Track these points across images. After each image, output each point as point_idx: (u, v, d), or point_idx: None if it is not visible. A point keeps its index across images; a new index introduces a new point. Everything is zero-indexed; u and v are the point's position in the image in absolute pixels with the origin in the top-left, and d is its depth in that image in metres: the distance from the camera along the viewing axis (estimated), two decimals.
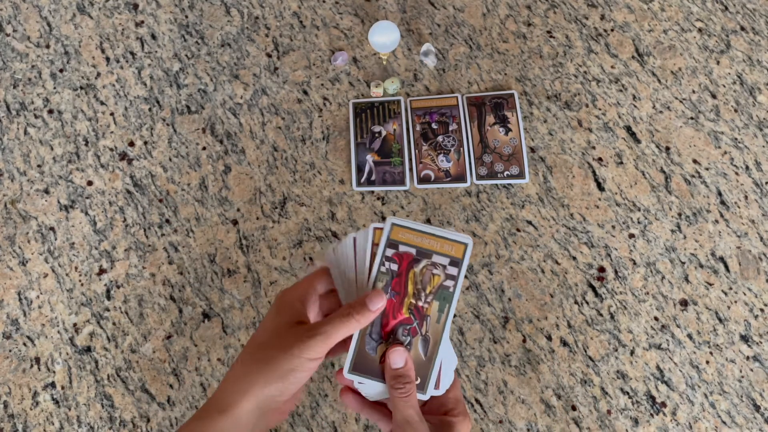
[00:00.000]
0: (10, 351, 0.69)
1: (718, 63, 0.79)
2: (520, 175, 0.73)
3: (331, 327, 0.38)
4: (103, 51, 0.83)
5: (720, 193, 0.73)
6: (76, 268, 0.72)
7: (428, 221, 0.73)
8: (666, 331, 0.68)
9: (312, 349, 0.37)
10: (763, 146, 0.75)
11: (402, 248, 0.41)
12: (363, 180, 0.74)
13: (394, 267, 0.41)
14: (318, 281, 0.43)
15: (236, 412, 0.37)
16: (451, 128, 0.76)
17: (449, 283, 0.41)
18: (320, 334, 0.38)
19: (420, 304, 0.41)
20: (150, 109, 0.79)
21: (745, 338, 0.67)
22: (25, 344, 0.69)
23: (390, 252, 0.40)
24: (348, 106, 0.78)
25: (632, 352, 0.67)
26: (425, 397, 0.42)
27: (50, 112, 0.80)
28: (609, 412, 0.65)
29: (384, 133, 0.76)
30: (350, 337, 0.41)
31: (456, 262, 0.41)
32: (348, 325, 0.38)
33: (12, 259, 0.72)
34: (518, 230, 0.72)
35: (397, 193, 0.74)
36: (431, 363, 0.42)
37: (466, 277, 0.70)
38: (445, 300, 0.41)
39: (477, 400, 0.66)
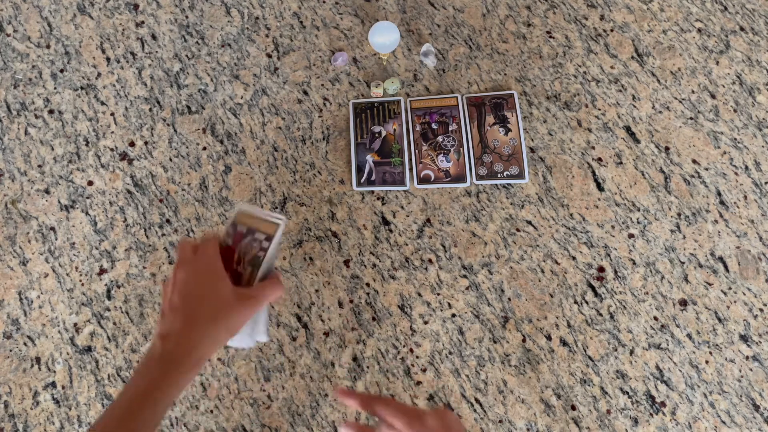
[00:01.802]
0: (10, 351, 0.69)
1: (717, 63, 0.79)
2: (520, 175, 0.73)
3: (265, 294, 0.52)
4: (103, 51, 0.83)
5: (719, 193, 0.73)
6: (76, 267, 0.72)
7: (428, 221, 0.73)
8: (665, 331, 0.68)
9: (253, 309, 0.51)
10: (763, 146, 0.75)
11: (239, 228, 0.56)
12: (363, 180, 0.74)
13: (229, 240, 0.56)
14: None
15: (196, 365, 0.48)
16: (450, 128, 0.76)
17: (261, 253, 0.55)
18: (256, 299, 0.51)
19: (238, 268, 0.55)
20: (150, 110, 0.79)
21: (744, 338, 0.67)
22: (25, 344, 0.69)
23: (232, 230, 0.56)
24: (348, 107, 0.78)
25: (632, 352, 0.67)
26: (241, 345, 0.55)
27: (51, 112, 0.80)
28: (609, 411, 0.65)
29: (384, 133, 0.76)
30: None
31: (269, 238, 0.55)
32: (277, 293, 0.52)
33: (12, 259, 0.73)
34: (518, 230, 0.72)
35: (397, 193, 0.74)
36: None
37: (465, 277, 0.70)
38: (256, 266, 0.55)
39: (477, 400, 0.66)
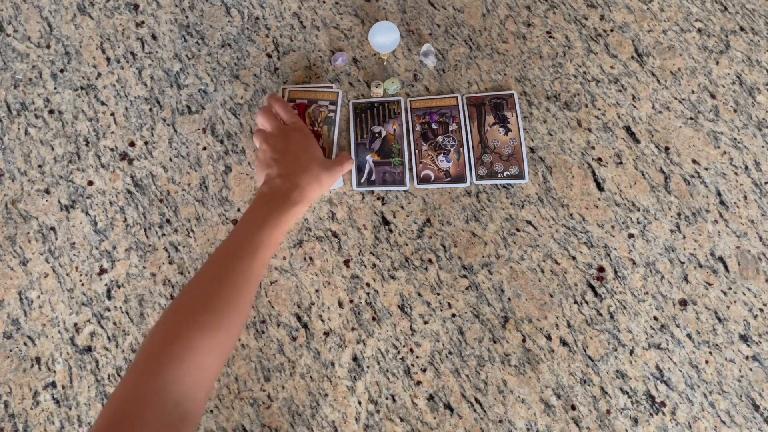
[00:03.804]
0: (10, 351, 0.69)
1: (717, 63, 0.79)
2: (520, 175, 0.73)
3: (346, 166, 0.72)
4: (103, 51, 0.83)
5: (719, 193, 0.73)
6: (76, 267, 0.72)
7: (428, 221, 0.73)
8: (665, 331, 0.68)
9: (340, 173, 0.72)
10: (763, 146, 0.75)
11: (298, 101, 0.76)
12: (363, 180, 0.74)
13: (295, 111, 0.74)
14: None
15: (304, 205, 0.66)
16: (450, 128, 0.76)
17: (332, 114, 0.76)
18: (342, 167, 0.72)
19: (316, 129, 0.75)
20: (150, 110, 0.79)
21: (744, 338, 0.67)
22: (25, 344, 0.69)
23: (290, 104, 0.75)
24: (348, 107, 0.78)
25: (632, 352, 0.67)
26: (331, 187, 0.73)
27: (51, 112, 0.80)
28: (608, 411, 0.65)
29: (384, 133, 0.76)
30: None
31: (333, 102, 0.76)
32: (346, 164, 0.73)
33: (13, 259, 0.73)
34: (518, 230, 0.72)
35: (397, 192, 0.74)
36: None
37: (465, 277, 0.71)
38: (331, 124, 0.75)
39: (477, 400, 0.66)
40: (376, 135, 0.76)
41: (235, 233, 0.61)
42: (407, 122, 0.77)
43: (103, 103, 0.80)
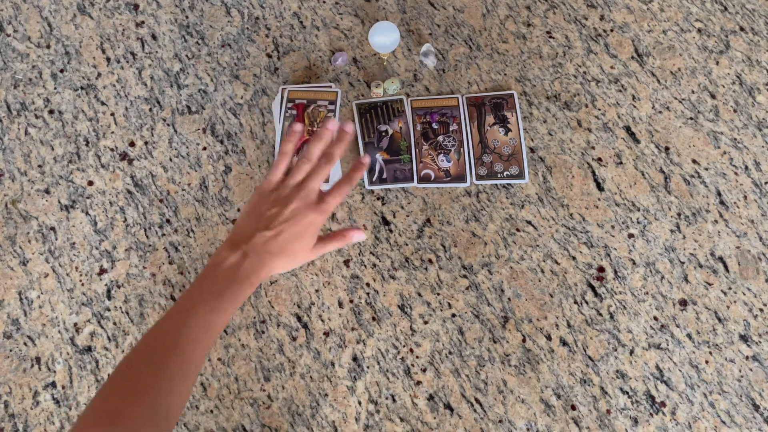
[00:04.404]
0: (10, 351, 0.69)
1: (717, 63, 0.79)
2: (520, 175, 0.73)
3: (329, 247, 0.58)
4: (103, 51, 0.83)
5: (719, 193, 0.73)
6: (76, 267, 0.72)
7: (428, 221, 0.73)
8: (665, 331, 0.68)
9: (315, 257, 0.57)
10: (763, 146, 0.75)
11: (297, 101, 0.76)
12: (375, 179, 0.74)
13: (294, 111, 0.76)
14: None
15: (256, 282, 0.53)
16: (451, 128, 0.76)
17: (330, 114, 0.76)
18: (323, 250, 0.57)
19: (315, 129, 0.75)
20: (150, 110, 0.79)
21: (744, 338, 0.67)
22: (25, 344, 0.69)
23: (290, 104, 0.76)
24: (348, 107, 0.78)
25: (632, 352, 0.67)
26: (326, 187, 0.69)
27: (51, 112, 0.80)
28: (608, 411, 0.65)
29: (391, 131, 0.76)
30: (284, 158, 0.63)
31: (333, 102, 0.76)
32: (340, 244, 0.59)
33: (13, 259, 0.73)
34: (518, 230, 0.72)
35: (397, 192, 0.74)
36: None
37: (465, 277, 0.71)
38: None
39: (477, 400, 0.66)
40: (383, 133, 0.76)
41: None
42: (411, 121, 0.77)
43: (103, 103, 0.80)
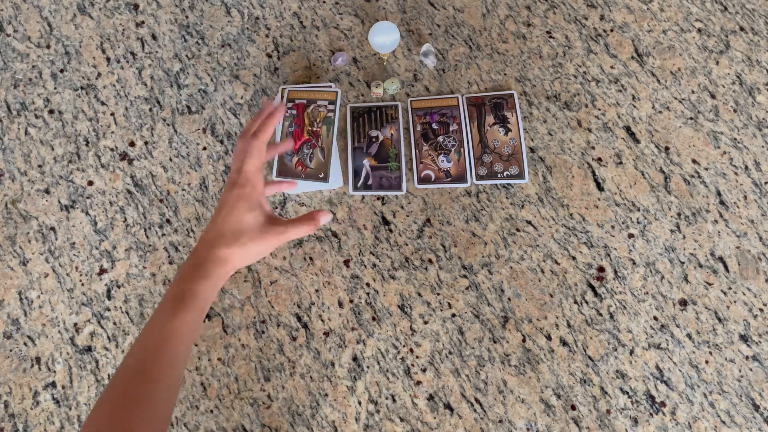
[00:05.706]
0: (10, 351, 0.69)
1: (717, 63, 0.79)
2: (520, 175, 0.73)
3: (294, 231, 0.54)
4: (103, 51, 0.83)
5: (719, 193, 0.73)
6: (76, 267, 0.72)
7: (428, 221, 0.73)
8: (665, 331, 0.68)
9: (281, 241, 0.54)
10: (762, 146, 0.75)
11: (297, 101, 0.76)
12: (360, 185, 0.74)
13: (294, 111, 0.76)
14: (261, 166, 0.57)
15: (220, 279, 0.52)
16: (451, 129, 0.76)
17: (330, 114, 0.74)
18: (286, 234, 0.54)
19: (315, 129, 0.74)
20: (150, 110, 0.79)
21: (744, 338, 0.67)
22: (25, 344, 0.69)
23: (290, 104, 0.76)
24: (347, 108, 0.78)
25: (632, 352, 0.67)
26: (330, 187, 0.74)
27: (51, 112, 0.80)
28: (608, 411, 0.65)
29: (381, 137, 0.76)
30: (274, 148, 0.62)
31: (332, 102, 0.75)
32: (308, 227, 0.55)
33: (13, 259, 0.73)
34: (518, 230, 0.72)
35: (397, 192, 0.74)
36: (328, 163, 0.72)
37: (465, 277, 0.71)
38: (330, 123, 0.74)
39: (477, 400, 0.66)
40: (374, 139, 0.76)
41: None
42: (409, 122, 0.77)
43: (103, 103, 0.80)
